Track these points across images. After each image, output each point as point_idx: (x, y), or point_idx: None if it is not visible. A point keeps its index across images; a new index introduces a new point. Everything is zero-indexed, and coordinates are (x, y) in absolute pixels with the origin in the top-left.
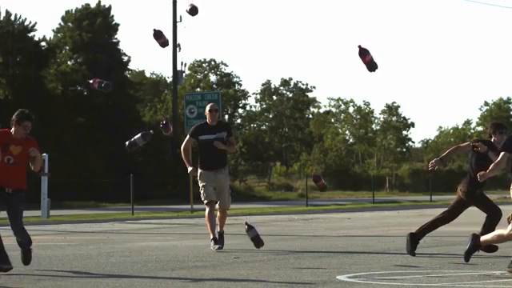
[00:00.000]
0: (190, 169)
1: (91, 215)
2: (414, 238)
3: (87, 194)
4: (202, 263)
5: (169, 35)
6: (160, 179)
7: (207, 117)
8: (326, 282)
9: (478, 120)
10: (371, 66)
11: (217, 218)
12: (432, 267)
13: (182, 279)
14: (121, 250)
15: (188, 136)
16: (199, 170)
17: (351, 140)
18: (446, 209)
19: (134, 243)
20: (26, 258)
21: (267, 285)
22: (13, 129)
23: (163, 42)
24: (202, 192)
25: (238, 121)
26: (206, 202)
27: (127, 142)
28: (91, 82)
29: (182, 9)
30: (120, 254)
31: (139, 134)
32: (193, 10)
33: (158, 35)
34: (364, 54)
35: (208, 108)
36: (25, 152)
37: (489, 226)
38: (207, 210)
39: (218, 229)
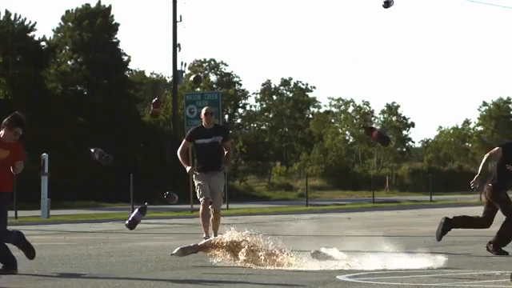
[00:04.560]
0: (188, 168)
1: (91, 215)
2: (447, 225)
3: (87, 194)
4: (201, 263)
5: (169, 35)
6: (160, 179)
7: (203, 120)
8: (326, 282)
9: (477, 120)
10: (381, 139)
11: (211, 221)
12: (432, 267)
13: (182, 279)
14: (121, 249)
15: (184, 140)
16: (196, 172)
17: (351, 140)
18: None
19: (134, 243)
20: (28, 251)
21: (267, 285)
22: (2, 132)
23: (156, 108)
24: (197, 190)
25: (238, 121)
26: (201, 199)
27: (127, 222)
28: (92, 151)
29: (182, 9)
30: (120, 253)
31: (136, 210)
32: (197, 80)
33: (156, 104)
34: (370, 132)
35: (203, 111)
36: (12, 156)
37: (504, 234)
38: (202, 207)
39: (212, 232)
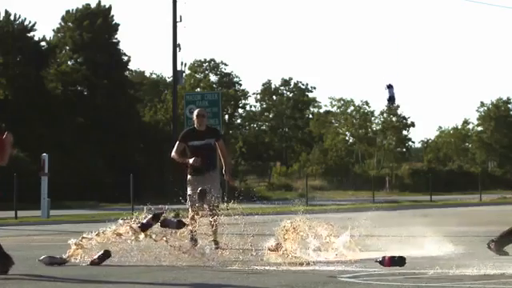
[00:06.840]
0: (190, 160)
1: (91, 215)
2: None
3: (87, 194)
4: (201, 263)
5: (169, 35)
6: (160, 179)
7: (195, 122)
8: (326, 282)
9: (477, 120)
10: (396, 262)
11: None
12: (432, 267)
13: (182, 279)
14: (120, 249)
15: (177, 142)
16: (188, 176)
17: (351, 140)
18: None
19: (133, 243)
20: (3, 263)
21: (268, 285)
22: None
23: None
24: (188, 200)
25: (238, 121)
26: (190, 210)
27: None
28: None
29: (182, 9)
30: (120, 254)
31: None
32: (201, 196)
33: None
34: (382, 263)
35: (195, 113)
36: None
37: (506, 235)
38: (190, 214)
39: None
